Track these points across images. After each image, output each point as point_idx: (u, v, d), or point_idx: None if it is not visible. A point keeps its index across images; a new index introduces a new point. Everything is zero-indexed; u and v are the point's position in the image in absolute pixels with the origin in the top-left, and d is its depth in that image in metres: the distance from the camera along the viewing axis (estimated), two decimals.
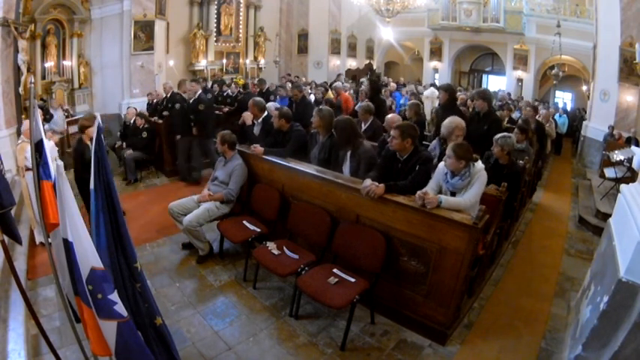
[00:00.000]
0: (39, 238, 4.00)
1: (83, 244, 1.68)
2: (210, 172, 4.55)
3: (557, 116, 10.23)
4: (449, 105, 4.73)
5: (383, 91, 8.50)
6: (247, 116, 4.68)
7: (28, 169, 3.81)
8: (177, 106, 6.45)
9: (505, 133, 3.96)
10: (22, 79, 6.22)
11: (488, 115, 4.51)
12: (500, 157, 3.88)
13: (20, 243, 2.19)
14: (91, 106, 8.60)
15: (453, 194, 2.98)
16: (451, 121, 3.68)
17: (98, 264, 1.68)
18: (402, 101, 9.56)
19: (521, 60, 13.34)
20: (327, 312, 3.18)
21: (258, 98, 5.08)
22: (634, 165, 5.37)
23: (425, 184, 3.09)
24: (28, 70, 6.49)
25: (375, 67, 15.52)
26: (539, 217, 5.70)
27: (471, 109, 6.50)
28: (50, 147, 4.63)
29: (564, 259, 4.38)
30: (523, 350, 2.89)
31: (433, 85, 11.71)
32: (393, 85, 10.75)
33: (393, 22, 11.81)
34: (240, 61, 12.37)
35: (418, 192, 2.88)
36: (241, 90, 8.83)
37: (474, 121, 4.56)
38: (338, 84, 8.99)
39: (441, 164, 3.09)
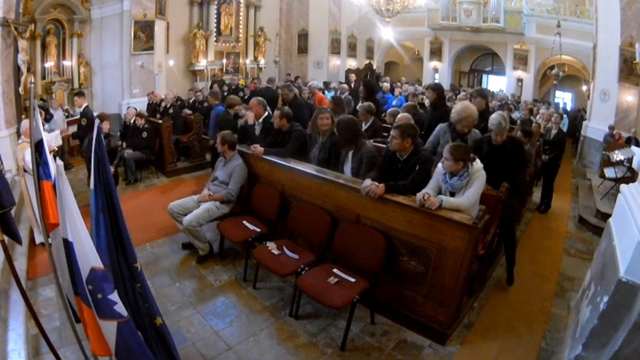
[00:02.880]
0: (39, 238, 3.99)
1: (83, 244, 1.68)
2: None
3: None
4: (438, 103, 4.72)
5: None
6: (250, 116, 4.67)
7: (25, 171, 3.81)
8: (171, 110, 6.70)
9: (499, 113, 3.66)
10: (22, 79, 6.21)
11: (485, 113, 4.51)
12: (499, 141, 3.57)
13: (20, 243, 2.19)
14: (91, 106, 8.58)
15: (452, 194, 2.98)
16: (464, 109, 3.54)
17: (98, 264, 1.69)
18: (394, 102, 8.80)
19: (521, 60, 13.33)
20: (327, 312, 3.18)
21: (260, 97, 5.08)
22: (634, 165, 5.37)
23: (425, 184, 3.09)
24: (28, 70, 6.48)
25: (375, 67, 15.52)
26: (539, 217, 5.70)
27: None
28: (55, 135, 4.66)
29: (564, 259, 4.38)
30: (523, 350, 2.89)
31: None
32: (386, 85, 9.98)
33: (393, 22, 11.80)
34: (240, 61, 12.37)
35: (419, 194, 2.88)
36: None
37: None
38: (313, 83, 8.80)
39: (440, 164, 3.09)
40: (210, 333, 2.96)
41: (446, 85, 13.84)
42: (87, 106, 6.22)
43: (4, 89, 5.69)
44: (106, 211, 1.81)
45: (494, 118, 3.60)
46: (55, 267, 1.94)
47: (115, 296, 1.71)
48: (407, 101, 9.11)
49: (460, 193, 2.94)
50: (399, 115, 4.50)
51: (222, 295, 3.43)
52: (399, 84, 11.56)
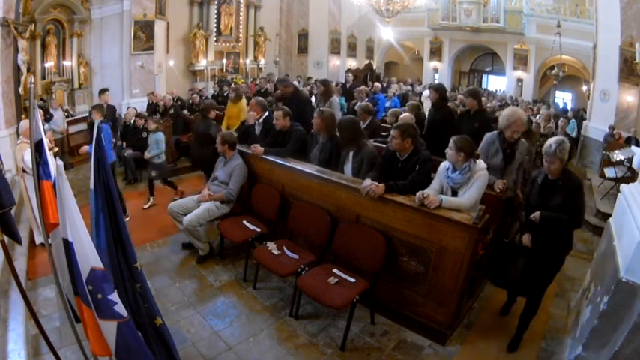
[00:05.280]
0: (39, 238, 3.99)
1: (83, 244, 1.68)
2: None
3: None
4: (440, 104, 4.72)
5: (356, 93, 7.81)
6: (252, 116, 4.67)
7: (25, 172, 3.81)
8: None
9: (559, 138, 2.75)
10: (22, 79, 6.21)
11: (479, 113, 4.51)
12: (554, 173, 2.71)
13: (20, 243, 2.19)
14: (90, 107, 8.59)
15: (454, 192, 2.98)
16: (512, 113, 3.32)
17: (98, 264, 1.69)
18: (387, 104, 8.56)
19: (521, 60, 13.33)
20: (327, 312, 3.18)
21: (260, 97, 5.08)
22: (634, 165, 5.37)
23: (425, 183, 3.09)
24: (28, 70, 6.48)
25: (375, 67, 15.53)
26: None
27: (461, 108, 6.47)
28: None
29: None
30: (523, 350, 2.89)
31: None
32: (377, 85, 9.72)
33: (393, 22, 11.80)
34: (240, 61, 12.38)
35: (418, 193, 2.87)
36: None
37: (465, 118, 4.57)
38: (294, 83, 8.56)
39: (443, 163, 3.09)
40: (210, 333, 2.96)
41: (446, 85, 13.88)
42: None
43: (4, 89, 5.69)
44: (106, 211, 1.81)
45: (547, 143, 2.77)
46: (55, 267, 1.94)
47: (115, 296, 1.71)
48: (401, 101, 9.10)
49: (462, 189, 2.94)
50: (402, 115, 4.50)
51: (222, 295, 3.43)
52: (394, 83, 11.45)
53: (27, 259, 3.64)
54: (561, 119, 6.08)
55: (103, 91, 6.92)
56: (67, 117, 7.45)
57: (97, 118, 5.17)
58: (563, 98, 14.69)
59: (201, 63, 10.86)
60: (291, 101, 5.01)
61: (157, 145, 5.32)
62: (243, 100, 5.86)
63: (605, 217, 4.46)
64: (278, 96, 6.94)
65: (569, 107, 12.66)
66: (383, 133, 4.94)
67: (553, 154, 2.63)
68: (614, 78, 7.81)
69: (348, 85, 9.76)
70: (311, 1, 13.64)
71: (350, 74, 11.29)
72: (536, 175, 2.91)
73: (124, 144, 6.39)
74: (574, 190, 2.65)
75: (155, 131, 5.38)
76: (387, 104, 8.59)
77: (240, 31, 12.20)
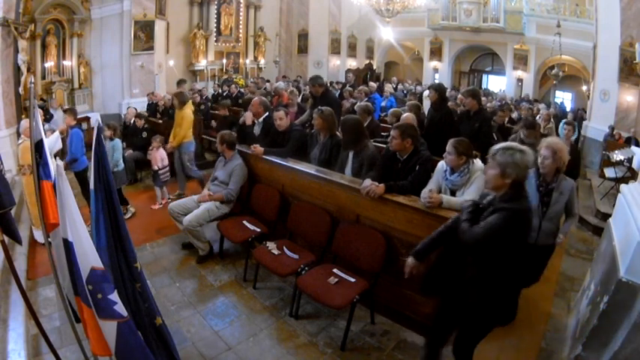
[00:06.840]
0: (40, 238, 3.99)
1: (83, 244, 1.68)
2: None
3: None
4: (439, 104, 4.71)
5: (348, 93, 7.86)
6: (248, 116, 4.67)
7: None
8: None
9: (509, 144, 2.04)
10: (22, 79, 6.23)
11: (479, 113, 4.49)
12: (492, 185, 2.01)
13: (20, 243, 2.19)
14: (90, 106, 8.61)
15: (452, 192, 2.97)
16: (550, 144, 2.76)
17: (98, 264, 1.69)
18: (383, 103, 8.48)
19: (521, 60, 13.34)
20: (327, 312, 3.18)
21: (263, 97, 5.08)
22: (634, 165, 5.37)
23: (425, 184, 3.08)
24: (28, 70, 6.50)
25: (375, 67, 15.54)
26: None
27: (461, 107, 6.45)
28: (55, 138, 4.57)
29: (564, 259, 4.38)
30: (523, 350, 2.89)
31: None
32: (372, 85, 9.63)
33: (393, 22, 11.83)
34: (240, 61, 12.41)
35: (424, 190, 2.85)
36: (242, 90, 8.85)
37: (465, 119, 4.56)
38: (280, 84, 8.26)
39: (441, 162, 3.08)
40: (210, 333, 2.96)
41: (446, 85, 13.87)
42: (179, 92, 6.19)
43: (4, 89, 5.71)
44: (106, 211, 1.81)
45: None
46: (55, 267, 1.94)
47: (115, 296, 1.71)
48: (396, 101, 9.09)
49: (460, 190, 2.93)
50: (404, 115, 4.49)
51: (222, 295, 3.43)
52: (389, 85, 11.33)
53: (27, 259, 3.64)
54: (565, 126, 5.42)
55: (181, 82, 7.01)
56: None
57: (70, 123, 4.87)
58: (563, 98, 14.70)
59: (201, 63, 10.87)
60: (321, 101, 4.68)
61: (112, 153, 4.84)
62: (188, 106, 5.49)
63: (605, 217, 4.46)
64: (306, 96, 6.82)
65: (568, 109, 12.59)
66: (383, 133, 4.94)
67: (492, 155, 1.99)
68: (614, 78, 7.82)
69: (348, 85, 9.76)
70: (311, 1, 13.66)
71: (350, 74, 11.31)
72: (486, 194, 2.16)
73: (124, 144, 6.38)
74: (501, 212, 1.90)
75: (110, 139, 4.90)
76: (383, 104, 8.61)
77: (240, 31, 12.22)
